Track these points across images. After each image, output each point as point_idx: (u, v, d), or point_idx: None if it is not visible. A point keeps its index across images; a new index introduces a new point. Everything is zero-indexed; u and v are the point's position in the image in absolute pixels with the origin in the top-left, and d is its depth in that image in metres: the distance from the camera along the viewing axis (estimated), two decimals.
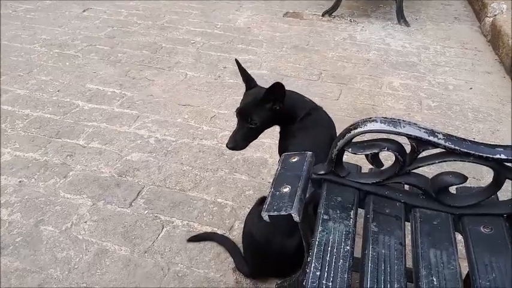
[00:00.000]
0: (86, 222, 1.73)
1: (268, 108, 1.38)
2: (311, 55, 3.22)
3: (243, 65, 1.51)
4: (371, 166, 1.05)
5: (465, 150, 0.86)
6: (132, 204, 1.83)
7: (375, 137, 0.95)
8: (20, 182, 1.95)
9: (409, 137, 0.87)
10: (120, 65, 3.03)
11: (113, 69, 2.97)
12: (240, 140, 1.43)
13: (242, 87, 1.51)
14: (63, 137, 2.26)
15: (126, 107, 2.53)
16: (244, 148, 1.46)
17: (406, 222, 0.97)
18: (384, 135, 0.92)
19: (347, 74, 2.97)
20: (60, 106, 2.54)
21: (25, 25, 3.64)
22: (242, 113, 1.41)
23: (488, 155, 0.86)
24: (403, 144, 0.93)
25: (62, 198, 1.86)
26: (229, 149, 1.43)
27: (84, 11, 3.97)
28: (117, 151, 2.16)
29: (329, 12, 3.97)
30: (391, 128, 0.87)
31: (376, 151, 0.93)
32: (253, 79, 1.49)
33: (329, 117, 1.48)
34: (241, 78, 1.51)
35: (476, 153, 0.86)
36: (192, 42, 3.40)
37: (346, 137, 0.90)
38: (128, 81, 2.82)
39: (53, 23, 3.71)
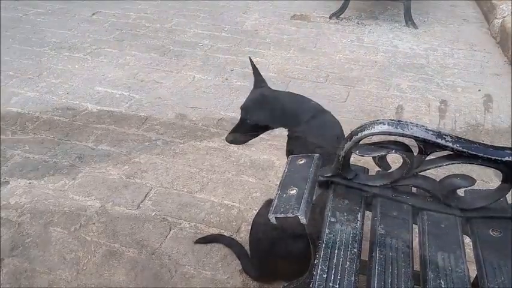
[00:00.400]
0: (94, 223, 1.75)
1: (266, 109, 1.39)
2: (318, 57, 3.22)
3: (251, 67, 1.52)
4: (378, 168, 1.05)
5: (473, 153, 0.85)
6: (140, 205, 1.84)
7: (383, 140, 0.95)
8: (29, 183, 1.97)
9: (416, 139, 0.87)
10: (129, 67, 3.06)
11: (122, 72, 3.00)
12: (239, 135, 1.45)
13: (250, 90, 1.52)
14: (72, 139, 2.28)
15: (134, 110, 2.55)
16: (242, 143, 1.49)
17: (413, 225, 0.97)
18: (392, 138, 0.92)
19: (354, 76, 2.96)
20: (69, 108, 2.56)
21: (35, 28, 3.69)
22: (243, 109, 1.43)
23: (497, 158, 0.85)
24: (411, 147, 0.92)
25: (70, 199, 1.88)
26: (228, 142, 1.46)
27: (93, 14, 4.01)
28: (126, 153, 2.17)
29: (336, 14, 3.97)
30: (399, 130, 0.87)
31: (383, 153, 0.93)
32: (263, 79, 1.50)
33: (336, 120, 1.48)
34: (249, 80, 1.52)
35: (485, 155, 0.85)
36: (199, 45, 3.42)
37: (353, 139, 0.90)
38: (136, 84, 2.84)
39: (62, 26, 3.75)
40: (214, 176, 2.02)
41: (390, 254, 0.87)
